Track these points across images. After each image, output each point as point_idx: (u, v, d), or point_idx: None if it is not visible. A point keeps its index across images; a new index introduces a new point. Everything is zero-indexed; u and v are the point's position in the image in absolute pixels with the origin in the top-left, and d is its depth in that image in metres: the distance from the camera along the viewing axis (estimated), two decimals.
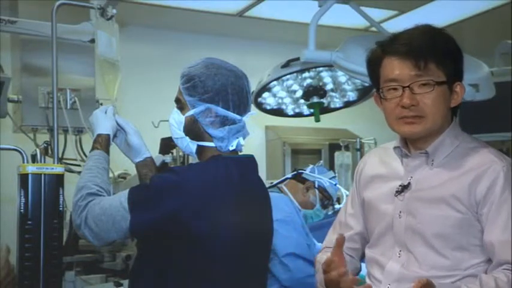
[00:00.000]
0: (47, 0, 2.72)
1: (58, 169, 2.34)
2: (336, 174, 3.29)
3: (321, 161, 3.38)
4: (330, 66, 2.76)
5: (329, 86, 3.16)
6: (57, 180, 2.31)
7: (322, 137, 5.54)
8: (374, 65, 1.67)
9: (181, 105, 1.79)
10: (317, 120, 3.14)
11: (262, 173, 1.97)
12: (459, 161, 1.61)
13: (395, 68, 1.60)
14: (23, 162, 2.32)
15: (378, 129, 3.57)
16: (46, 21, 2.67)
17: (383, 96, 1.64)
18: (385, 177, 1.72)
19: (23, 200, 2.23)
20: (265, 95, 3.17)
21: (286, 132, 5.51)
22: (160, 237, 1.68)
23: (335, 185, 2.89)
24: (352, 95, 3.29)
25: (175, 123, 1.80)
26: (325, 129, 5.14)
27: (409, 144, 1.69)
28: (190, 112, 1.76)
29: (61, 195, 2.31)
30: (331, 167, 4.61)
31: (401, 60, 1.59)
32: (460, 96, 1.64)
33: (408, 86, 1.58)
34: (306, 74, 3.05)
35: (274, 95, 3.22)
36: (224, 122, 1.75)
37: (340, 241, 1.55)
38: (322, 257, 1.77)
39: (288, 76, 2.98)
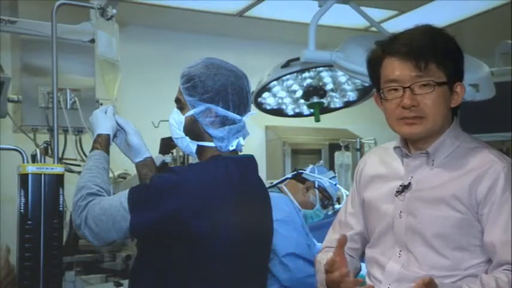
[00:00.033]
0: (47, 0, 2.72)
1: (58, 169, 2.34)
2: (336, 174, 3.30)
3: (321, 161, 3.38)
4: (330, 66, 2.76)
5: (329, 86, 3.16)
6: (57, 180, 2.31)
7: (322, 137, 5.54)
8: (374, 65, 1.67)
9: (181, 105, 1.79)
10: (317, 120, 3.14)
11: (262, 173, 1.97)
12: (460, 161, 1.61)
13: (396, 69, 1.60)
14: (23, 162, 2.32)
15: (378, 129, 3.57)
16: (46, 21, 2.66)
17: (383, 97, 1.63)
18: (386, 177, 1.72)
19: (23, 200, 2.23)
20: (265, 95, 3.17)
21: (286, 132, 5.51)
22: (160, 237, 1.68)
23: (335, 185, 2.89)
24: (352, 95, 3.28)
25: (175, 123, 1.80)
26: (325, 129, 5.14)
27: (410, 145, 1.69)
28: (190, 112, 1.76)
29: (61, 195, 2.31)
30: (331, 167, 4.61)
31: (402, 60, 1.58)
32: (460, 96, 1.64)
33: (409, 87, 1.57)
34: (306, 74, 3.05)
35: (274, 95, 3.21)
36: (224, 122, 1.75)
37: (342, 241, 1.55)
38: (322, 257, 1.77)
39: (288, 76, 2.98)
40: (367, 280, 1.72)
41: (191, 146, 1.80)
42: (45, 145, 2.53)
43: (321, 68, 2.95)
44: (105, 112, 1.95)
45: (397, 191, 1.66)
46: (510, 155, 3.22)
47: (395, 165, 1.71)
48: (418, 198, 1.62)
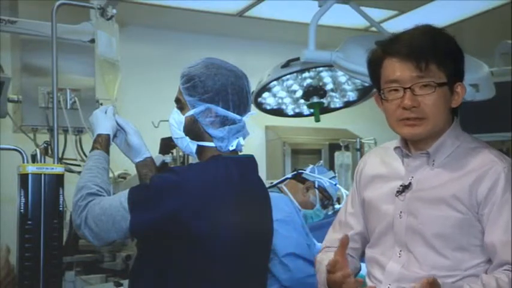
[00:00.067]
0: (47, 0, 2.72)
1: (58, 169, 2.34)
2: (336, 174, 3.30)
3: (321, 161, 3.38)
4: (330, 66, 2.76)
5: (329, 86, 3.16)
6: (57, 180, 2.30)
7: (322, 137, 5.54)
8: (375, 65, 1.66)
9: (181, 105, 1.79)
10: (317, 120, 3.14)
11: (262, 173, 1.97)
12: (460, 162, 1.61)
13: (397, 69, 1.59)
14: (23, 162, 2.32)
15: (378, 129, 3.57)
16: (46, 21, 2.66)
17: (384, 97, 1.63)
18: (386, 177, 1.72)
19: (23, 200, 2.23)
20: (265, 95, 3.17)
21: (286, 132, 5.51)
22: (160, 237, 1.68)
23: (335, 185, 2.89)
24: (352, 95, 3.28)
25: (175, 123, 1.80)
26: (325, 129, 5.14)
27: (410, 145, 1.69)
28: (190, 112, 1.76)
29: (61, 195, 2.31)
30: (331, 167, 4.61)
31: (403, 61, 1.58)
32: (461, 96, 1.63)
33: (409, 88, 1.57)
34: (306, 74, 3.05)
35: (274, 95, 3.21)
36: (224, 122, 1.75)
37: (345, 242, 1.55)
38: (322, 257, 1.77)
39: (288, 76, 2.98)
40: (367, 280, 1.72)
41: (191, 146, 1.80)
42: (45, 145, 2.53)
43: (321, 68, 2.95)
44: (105, 112, 1.95)
45: (397, 191, 1.65)
46: (510, 155, 3.21)
47: (395, 165, 1.71)
48: (418, 199, 1.62)
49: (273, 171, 5.25)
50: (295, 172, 2.92)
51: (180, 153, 3.40)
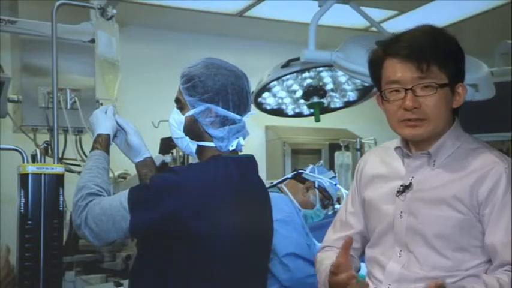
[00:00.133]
0: (47, 0, 2.72)
1: (58, 169, 2.34)
2: (336, 174, 3.29)
3: (321, 161, 3.38)
4: (330, 66, 2.76)
5: (329, 86, 3.16)
6: (57, 180, 2.30)
7: (322, 137, 5.54)
8: (375, 66, 1.66)
9: (181, 105, 1.79)
10: (317, 120, 3.14)
11: (262, 173, 1.97)
12: (461, 162, 1.61)
13: (398, 70, 1.59)
14: (23, 162, 2.32)
15: (378, 129, 3.58)
16: (46, 21, 2.66)
17: (385, 98, 1.63)
18: (386, 177, 1.72)
19: (23, 200, 2.23)
20: (265, 95, 3.17)
21: (286, 132, 5.51)
22: (160, 237, 1.68)
23: (335, 185, 2.89)
24: (352, 95, 3.28)
25: (175, 123, 1.80)
26: (325, 129, 5.14)
27: (411, 145, 1.68)
28: (190, 112, 1.76)
29: (61, 195, 2.30)
30: (331, 167, 4.61)
31: (404, 62, 1.58)
32: (462, 97, 1.63)
33: (411, 89, 1.57)
34: (306, 74, 3.05)
35: (274, 95, 3.21)
36: (224, 122, 1.75)
37: (348, 243, 1.54)
38: (322, 257, 1.77)
39: (288, 76, 2.98)
40: (367, 280, 1.71)
41: (191, 146, 1.80)
42: (45, 145, 2.53)
43: (321, 68, 2.95)
44: (105, 112, 1.95)
45: (398, 191, 1.65)
46: (510, 155, 3.21)
47: (396, 165, 1.71)
48: (419, 199, 1.61)
49: (273, 171, 5.25)
50: (295, 172, 2.92)
51: (180, 153, 3.40)
